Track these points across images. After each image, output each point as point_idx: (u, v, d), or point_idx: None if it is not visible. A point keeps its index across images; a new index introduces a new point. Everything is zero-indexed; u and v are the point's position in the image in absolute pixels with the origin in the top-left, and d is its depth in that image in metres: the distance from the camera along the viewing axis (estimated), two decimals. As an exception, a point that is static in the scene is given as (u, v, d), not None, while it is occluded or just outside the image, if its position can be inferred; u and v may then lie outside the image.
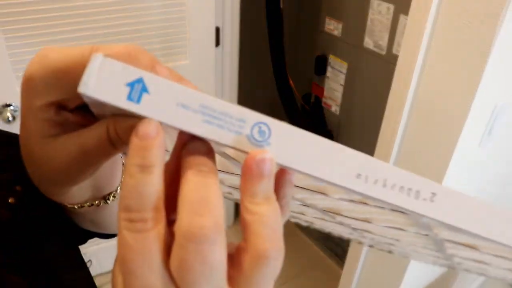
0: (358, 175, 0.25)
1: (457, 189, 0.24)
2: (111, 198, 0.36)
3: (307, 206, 0.46)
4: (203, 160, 0.22)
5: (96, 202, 0.35)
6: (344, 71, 1.59)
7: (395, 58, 1.31)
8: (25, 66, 0.23)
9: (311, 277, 1.90)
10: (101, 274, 1.84)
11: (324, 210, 0.45)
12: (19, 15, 1.18)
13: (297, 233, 2.12)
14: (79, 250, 0.52)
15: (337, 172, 0.25)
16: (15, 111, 1.31)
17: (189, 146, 0.23)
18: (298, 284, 1.87)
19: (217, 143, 0.22)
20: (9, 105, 1.30)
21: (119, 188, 0.37)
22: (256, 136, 0.22)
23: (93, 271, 1.87)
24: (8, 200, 0.36)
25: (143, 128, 0.21)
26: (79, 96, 0.21)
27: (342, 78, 1.61)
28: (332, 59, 1.63)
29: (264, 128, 0.23)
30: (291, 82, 1.78)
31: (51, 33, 1.24)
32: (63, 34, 1.26)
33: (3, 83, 1.26)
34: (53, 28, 1.24)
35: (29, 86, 0.24)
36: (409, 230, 0.38)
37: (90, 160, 0.26)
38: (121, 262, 0.22)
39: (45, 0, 1.19)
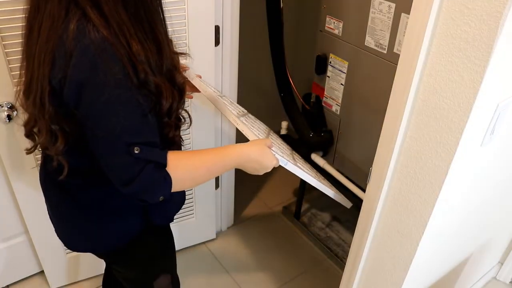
0: None
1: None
2: None
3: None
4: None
5: None
6: (345, 70, 1.58)
7: (396, 57, 1.29)
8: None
9: (311, 278, 1.90)
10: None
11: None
12: (14, 13, 1.17)
13: (297, 234, 2.12)
14: None
15: None
16: (12, 110, 1.30)
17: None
18: (298, 285, 1.86)
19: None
20: (6, 105, 1.29)
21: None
22: None
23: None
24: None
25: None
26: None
27: (342, 78, 1.60)
28: (332, 58, 1.62)
29: None
30: (291, 81, 1.77)
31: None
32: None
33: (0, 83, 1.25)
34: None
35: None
36: None
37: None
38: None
39: None
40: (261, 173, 1.02)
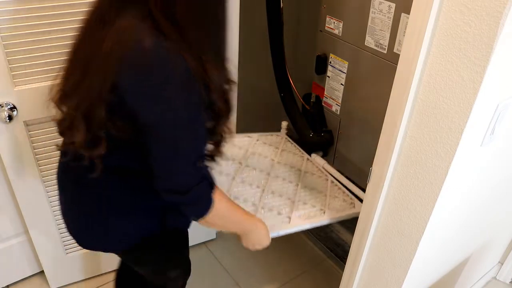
0: None
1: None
2: None
3: None
4: None
5: None
6: (345, 70, 1.58)
7: (396, 57, 1.29)
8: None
9: (311, 278, 1.90)
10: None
11: None
12: (14, 13, 1.17)
13: (297, 234, 2.11)
14: None
15: None
16: (12, 110, 1.30)
17: None
18: (298, 285, 1.86)
19: None
20: (6, 105, 1.29)
21: None
22: None
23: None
24: None
25: None
26: None
27: (342, 78, 1.60)
28: (332, 58, 1.62)
29: None
30: (291, 81, 1.77)
31: (46, 32, 1.23)
32: (57, 33, 1.25)
33: (0, 83, 1.25)
34: (47, 26, 1.23)
35: None
36: None
37: None
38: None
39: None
40: (250, 247, 1.15)
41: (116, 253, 1.15)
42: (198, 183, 0.87)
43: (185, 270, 1.31)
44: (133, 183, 0.91)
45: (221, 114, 0.89)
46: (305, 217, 1.34)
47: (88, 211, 1.01)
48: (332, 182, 1.55)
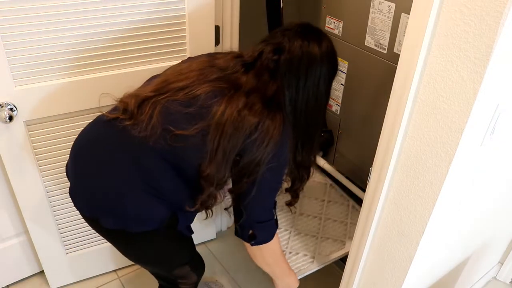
0: None
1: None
2: None
3: None
4: None
5: None
6: (345, 70, 1.58)
7: (396, 57, 1.29)
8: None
9: (311, 278, 1.89)
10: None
11: None
12: (14, 13, 1.17)
13: (297, 234, 2.11)
14: None
15: None
16: (12, 110, 1.30)
17: None
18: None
19: None
20: (6, 105, 1.29)
21: None
22: None
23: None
24: None
25: None
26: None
27: (342, 78, 1.60)
28: (332, 58, 1.62)
29: None
30: (291, 81, 1.77)
31: (46, 32, 1.24)
32: (57, 33, 1.25)
33: (0, 82, 1.25)
34: (47, 25, 1.23)
35: None
36: None
37: None
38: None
39: (43, -1, 1.19)
40: None
41: (126, 244, 1.21)
42: (271, 219, 1.18)
43: (193, 267, 1.37)
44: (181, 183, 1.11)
45: (300, 179, 1.26)
46: (327, 253, 1.53)
47: (133, 196, 1.09)
48: (353, 207, 1.70)
